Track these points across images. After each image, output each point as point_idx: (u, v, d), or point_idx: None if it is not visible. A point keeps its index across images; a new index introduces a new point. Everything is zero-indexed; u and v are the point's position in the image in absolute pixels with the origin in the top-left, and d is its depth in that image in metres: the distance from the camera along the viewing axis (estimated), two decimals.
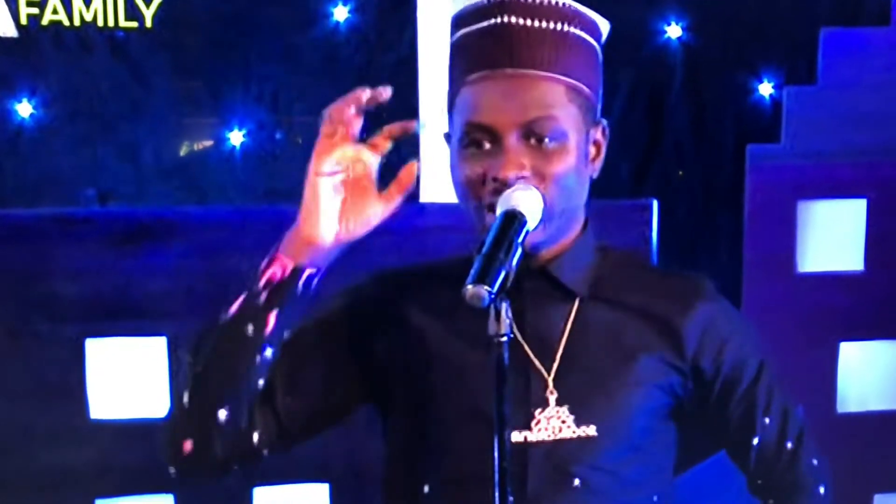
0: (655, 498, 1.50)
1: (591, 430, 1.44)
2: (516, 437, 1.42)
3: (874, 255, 3.03)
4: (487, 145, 1.42)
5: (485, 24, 1.43)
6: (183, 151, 2.88)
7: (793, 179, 3.00)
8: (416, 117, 2.87)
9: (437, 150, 2.87)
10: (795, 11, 3.03)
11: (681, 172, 3.05)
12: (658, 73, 3.01)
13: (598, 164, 1.50)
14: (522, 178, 1.39)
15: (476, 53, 1.43)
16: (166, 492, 2.78)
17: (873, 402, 3.10)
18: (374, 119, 2.95)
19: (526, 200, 1.36)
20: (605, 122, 1.51)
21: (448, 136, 1.50)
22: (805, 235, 3.03)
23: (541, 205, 1.38)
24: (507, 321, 1.24)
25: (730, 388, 1.52)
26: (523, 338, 1.46)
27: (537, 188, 1.39)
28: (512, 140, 1.40)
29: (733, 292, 3.04)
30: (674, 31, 3.01)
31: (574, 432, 1.44)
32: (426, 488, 1.48)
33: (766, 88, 3.05)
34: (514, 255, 1.27)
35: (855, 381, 3.08)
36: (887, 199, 3.03)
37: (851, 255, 3.05)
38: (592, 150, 1.49)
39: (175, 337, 2.77)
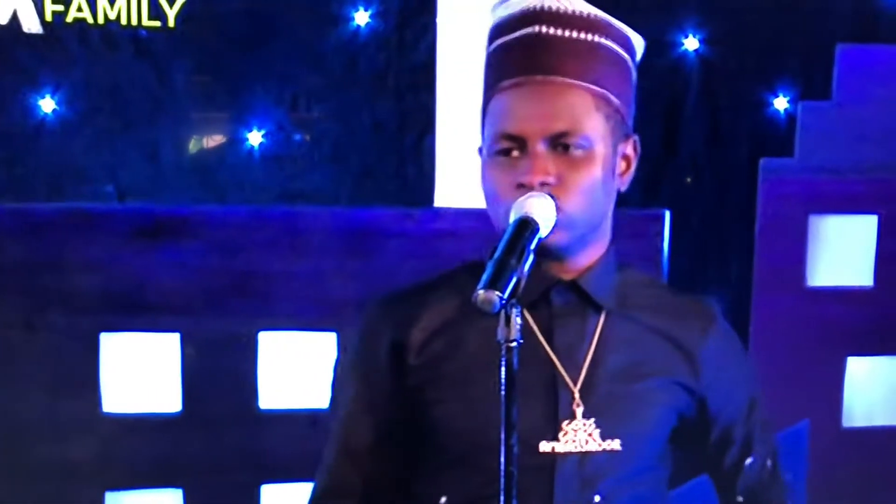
0: None
1: (616, 445, 1.45)
2: (544, 447, 1.43)
3: (884, 271, 3.04)
4: (516, 153, 1.43)
5: (519, 33, 1.46)
6: (201, 150, 2.90)
7: (805, 194, 3.01)
8: (432, 121, 2.89)
9: (451, 155, 2.89)
10: (812, 27, 3.03)
11: (689, 179, 3.06)
12: (674, 85, 3.02)
13: (628, 178, 1.51)
14: (547, 184, 1.41)
15: (508, 62, 1.46)
16: (176, 486, 2.80)
17: (879, 417, 3.10)
18: (391, 125, 2.98)
19: (539, 207, 1.37)
20: (636, 137, 1.52)
21: (481, 150, 1.51)
22: (816, 250, 3.04)
23: (554, 212, 1.39)
24: (518, 327, 1.25)
25: (735, 417, 1.55)
26: (551, 349, 1.47)
27: (553, 197, 1.40)
28: (539, 147, 1.42)
29: (743, 304, 3.05)
30: (691, 43, 3.02)
31: (600, 446, 1.45)
32: (443, 500, 1.49)
33: (780, 103, 3.06)
34: (525, 262, 1.28)
35: (861, 396, 3.09)
36: None
37: (861, 271, 3.06)
38: (622, 164, 1.50)
39: (189, 334, 2.79)
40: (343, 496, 1.54)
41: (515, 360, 1.25)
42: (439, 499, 1.48)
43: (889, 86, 3.00)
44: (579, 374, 1.46)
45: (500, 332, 1.25)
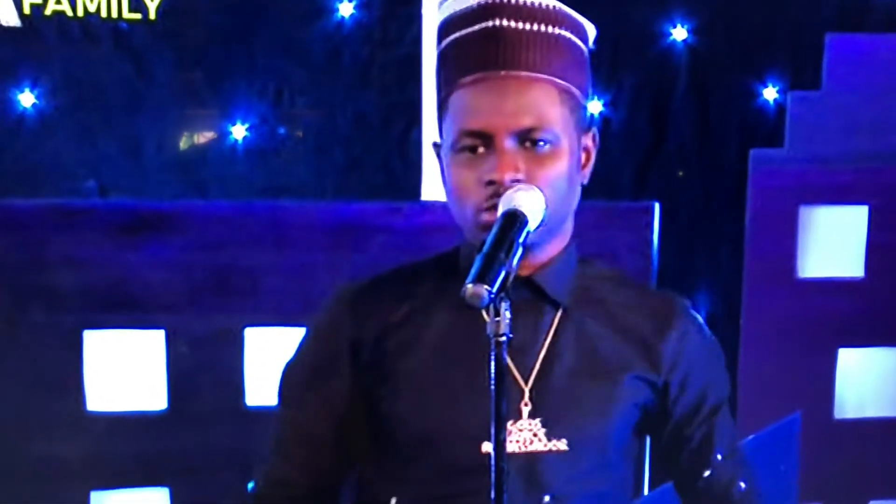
0: None
1: (563, 445, 1.43)
2: (486, 447, 1.40)
3: (875, 261, 3.03)
4: (481, 150, 1.42)
5: (476, 27, 1.43)
6: (184, 144, 2.88)
7: (795, 184, 3.00)
8: (419, 114, 2.87)
9: None
10: (801, 16, 3.02)
11: (681, 173, 3.04)
12: (662, 76, 3.00)
13: (588, 171, 1.50)
14: (516, 181, 1.39)
15: (467, 57, 1.43)
16: (162, 485, 2.78)
17: (871, 408, 3.10)
18: (377, 118, 2.95)
19: (528, 200, 1.35)
20: (595, 129, 1.51)
21: (437, 145, 1.50)
22: (806, 241, 3.03)
23: (543, 205, 1.37)
24: (507, 321, 1.23)
25: (690, 412, 1.51)
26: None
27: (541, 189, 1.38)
28: (506, 143, 1.40)
29: (733, 296, 3.04)
30: (679, 33, 3.00)
31: (545, 446, 1.43)
32: (393, 501, 1.47)
33: (770, 93, 3.04)
34: (514, 255, 1.26)
35: (853, 388, 3.09)
36: (889, 207, 3.03)
37: (852, 262, 3.05)
38: (583, 156, 1.49)
39: (173, 330, 2.76)
40: (289, 486, 1.52)
41: (505, 355, 1.23)
42: (390, 498, 1.46)
43: (879, 75, 2.99)
44: (531, 372, 1.45)
45: (490, 327, 1.23)
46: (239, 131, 2.83)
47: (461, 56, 1.44)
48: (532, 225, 1.34)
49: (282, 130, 2.88)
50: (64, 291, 2.68)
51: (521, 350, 1.45)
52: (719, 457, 1.52)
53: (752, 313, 2.99)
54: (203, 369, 2.79)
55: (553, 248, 1.49)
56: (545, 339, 1.46)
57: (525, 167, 1.40)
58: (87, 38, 2.72)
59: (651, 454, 1.58)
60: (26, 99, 2.71)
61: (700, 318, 1.56)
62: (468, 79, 1.42)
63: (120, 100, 2.75)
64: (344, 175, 2.88)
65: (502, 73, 1.40)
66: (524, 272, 1.47)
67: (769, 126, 3.05)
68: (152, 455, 2.77)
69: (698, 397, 1.52)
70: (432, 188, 2.84)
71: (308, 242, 2.75)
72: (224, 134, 2.83)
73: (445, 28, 1.47)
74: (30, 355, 2.69)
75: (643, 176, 2.94)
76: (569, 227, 1.51)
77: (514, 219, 1.31)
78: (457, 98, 1.43)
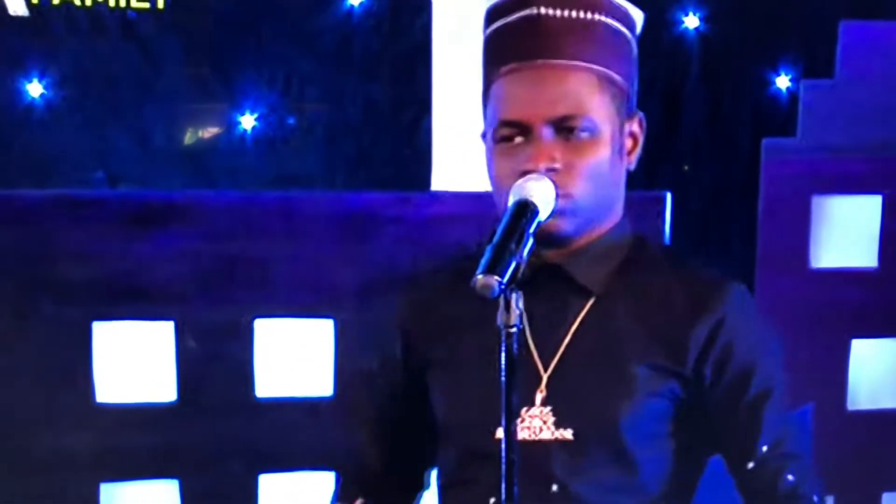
0: None
1: (568, 434, 1.42)
2: (500, 434, 1.36)
3: (888, 251, 3.01)
4: (519, 139, 1.42)
5: (516, 16, 1.44)
6: (193, 134, 2.87)
7: (808, 174, 2.98)
8: (429, 104, 2.85)
9: (449, 138, 2.85)
10: (814, 3, 3.00)
11: (686, 167, 3.03)
12: (675, 64, 2.99)
13: (635, 156, 1.49)
14: (553, 170, 1.39)
15: (507, 46, 1.44)
16: (171, 477, 2.78)
17: (884, 399, 3.08)
18: (386, 108, 2.94)
19: (538, 191, 1.34)
20: (641, 114, 1.49)
21: (484, 135, 1.49)
22: (819, 231, 3.01)
23: (554, 195, 1.36)
24: (518, 312, 1.22)
25: (730, 399, 1.45)
26: (531, 333, 1.44)
27: (556, 184, 1.37)
28: (543, 133, 1.40)
29: (745, 286, 3.01)
30: (692, 21, 2.99)
31: (552, 434, 1.42)
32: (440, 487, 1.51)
33: (783, 81, 3.03)
34: (525, 246, 1.26)
35: (866, 379, 3.07)
36: None
37: (865, 252, 3.03)
38: (629, 142, 1.48)
39: (183, 321, 2.76)
40: (367, 469, 1.57)
41: (515, 346, 1.23)
42: (449, 485, 1.49)
43: (893, 63, 2.96)
44: (551, 360, 1.44)
45: (500, 318, 1.23)
46: (248, 121, 2.82)
47: (501, 45, 1.45)
48: (543, 215, 1.33)
49: (291, 120, 2.88)
50: (73, 283, 2.68)
51: (546, 337, 1.44)
52: (764, 448, 1.45)
53: (765, 304, 2.96)
54: (213, 361, 2.79)
55: (590, 236, 1.47)
56: (570, 328, 1.45)
57: (562, 156, 1.40)
58: (95, 28, 2.72)
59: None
60: (34, 89, 2.70)
61: (751, 304, 1.51)
62: (506, 68, 1.43)
63: (128, 90, 2.75)
64: (353, 165, 2.88)
65: (539, 62, 1.41)
66: (556, 259, 1.46)
67: (782, 115, 3.04)
68: (162, 447, 2.77)
69: (738, 384, 1.45)
70: (442, 178, 2.83)
71: (317, 233, 2.74)
72: (233, 124, 2.82)
73: (490, 15, 1.48)
74: (39, 347, 2.69)
75: (654, 165, 2.92)
76: (616, 211, 1.48)
77: (525, 209, 1.30)
78: (496, 87, 1.44)
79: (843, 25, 2.94)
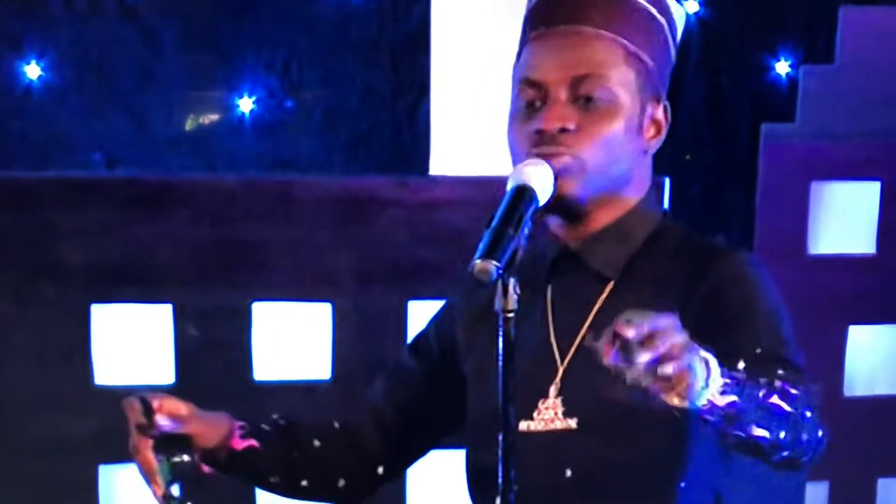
0: (683, 484, 1.42)
1: (573, 423, 1.42)
2: (522, 426, 1.41)
3: (887, 238, 3.01)
4: (538, 104, 1.43)
5: None
6: (191, 117, 2.87)
7: (807, 160, 2.97)
8: (427, 88, 2.85)
9: (447, 122, 2.85)
10: None
11: (688, 156, 3.02)
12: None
13: (656, 142, 1.48)
14: (566, 130, 1.39)
15: (538, 14, 1.47)
16: None
17: (881, 386, 3.08)
18: (385, 91, 2.93)
19: (537, 175, 1.34)
20: (667, 103, 1.49)
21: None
22: (817, 217, 3.01)
23: (552, 180, 1.36)
24: (515, 297, 1.22)
25: (727, 343, 1.32)
26: (553, 323, 1.45)
27: (550, 162, 1.37)
28: (560, 95, 1.41)
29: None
30: (691, 6, 2.98)
31: (562, 424, 1.42)
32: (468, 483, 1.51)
33: (782, 67, 3.02)
34: (523, 230, 1.26)
35: (863, 365, 3.07)
36: None
37: (864, 238, 3.03)
38: (651, 128, 1.47)
39: (181, 304, 2.76)
40: (376, 410, 1.57)
41: (513, 330, 1.23)
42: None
43: (893, 49, 2.95)
44: (569, 351, 1.44)
45: (498, 303, 1.23)
46: (246, 104, 2.82)
47: (534, 13, 1.48)
48: (541, 200, 1.33)
49: (289, 104, 2.87)
50: (71, 266, 2.68)
51: (566, 328, 1.44)
52: (758, 350, 1.33)
53: None
54: (211, 344, 2.79)
55: (607, 216, 1.45)
56: (588, 316, 1.44)
57: (577, 121, 1.40)
58: (94, 11, 2.71)
59: None
60: (32, 71, 2.70)
61: (753, 275, 1.43)
62: (535, 33, 1.45)
63: (127, 72, 2.74)
64: (352, 149, 2.87)
65: (565, 27, 1.43)
66: (574, 244, 1.45)
67: (781, 100, 3.03)
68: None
69: (723, 349, 1.34)
70: (441, 162, 2.83)
71: (316, 217, 2.74)
72: (231, 107, 2.82)
73: None
74: (37, 329, 2.69)
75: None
76: (630, 191, 1.46)
77: (523, 193, 1.30)
78: (524, 52, 1.46)
79: (842, 11, 2.93)
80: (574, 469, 1.41)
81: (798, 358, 1.38)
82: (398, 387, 1.57)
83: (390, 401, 1.57)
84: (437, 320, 1.59)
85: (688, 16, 2.97)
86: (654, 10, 1.46)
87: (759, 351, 1.33)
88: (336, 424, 1.57)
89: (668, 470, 1.43)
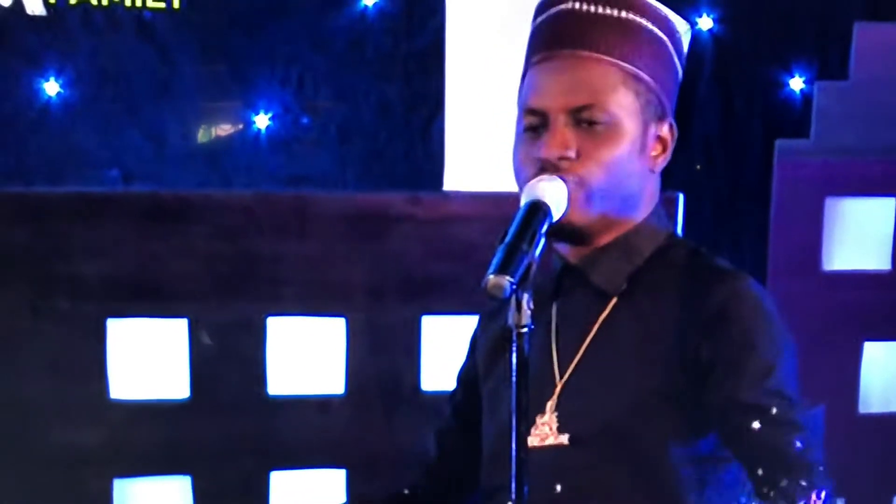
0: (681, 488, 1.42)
1: (564, 439, 1.42)
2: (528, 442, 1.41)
3: None
4: (540, 129, 1.43)
5: (554, 10, 1.47)
6: (207, 133, 2.88)
7: (821, 176, 2.97)
8: (441, 104, 2.86)
9: (461, 138, 2.86)
10: (828, 5, 2.99)
11: (698, 167, 3.02)
12: (688, 65, 2.97)
13: (662, 161, 1.49)
14: (566, 158, 1.39)
15: (540, 38, 1.47)
16: (184, 473, 2.79)
17: None
18: (399, 107, 2.94)
19: (550, 191, 1.35)
20: (673, 121, 1.49)
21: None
22: (832, 233, 3.00)
23: (566, 196, 1.37)
24: (529, 312, 1.22)
25: (731, 376, 1.38)
26: (555, 339, 1.45)
27: (565, 180, 1.37)
28: (560, 122, 1.42)
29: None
30: (705, 22, 2.98)
31: (555, 440, 1.43)
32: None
33: (796, 83, 3.02)
34: (536, 246, 1.26)
35: (878, 382, 3.06)
36: None
37: (878, 254, 3.02)
38: (657, 146, 1.47)
39: (196, 319, 2.77)
40: (447, 430, 1.61)
41: (527, 346, 1.24)
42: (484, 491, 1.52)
43: None
44: (568, 366, 1.44)
45: (511, 318, 1.23)
46: (262, 120, 2.83)
47: (537, 37, 1.48)
48: (555, 216, 1.33)
49: (305, 120, 2.89)
50: (87, 280, 2.69)
51: (568, 343, 1.45)
52: (774, 411, 1.37)
53: (776, 305, 2.96)
54: (225, 358, 2.80)
55: (611, 234, 1.46)
56: (589, 333, 1.44)
57: (579, 146, 1.40)
58: (112, 27, 2.73)
59: None
60: (51, 88, 2.72)
61: (756, 301, 1.43)
62: (537, 57, 1.46)
63: (144, 89, 2.76)
64: (366, 164, 2.88)
65: (565, 52, 1.43)
66: (577, 261, 1.46)
67: (795, 116, 3.03)
68: (174, 443, 2.78)
69: (742, 369, 1.39)
70: (455, 178, 2.83)
71: (330, 232, 2.75)
72: (247, 123, 2.83)
73: (535, 12, 1.51)
74: (53, 343, 2.70)
75: (667, 166, 2.92)
76: (638, 210, 1.46)
77: (537, 209, 1.31)
78: (528, 77, 1.47)
79: (857, 27, 2.93)
80: (564, 484, 1.41)
81: (794, 399, 1.41)
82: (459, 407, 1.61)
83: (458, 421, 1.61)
84: (467, 354, 1.61)
85: (700, 32, 2.99)
86: (655, 29, 1.46)
87: (774, 412, 1.37)
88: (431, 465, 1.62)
89: (656, 488, 1.42)
